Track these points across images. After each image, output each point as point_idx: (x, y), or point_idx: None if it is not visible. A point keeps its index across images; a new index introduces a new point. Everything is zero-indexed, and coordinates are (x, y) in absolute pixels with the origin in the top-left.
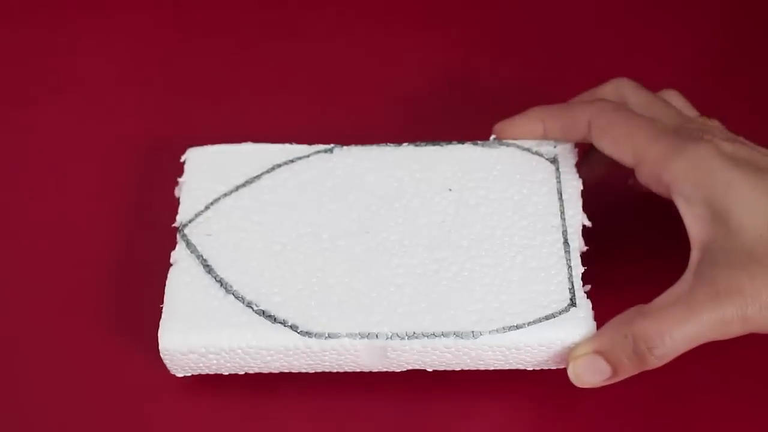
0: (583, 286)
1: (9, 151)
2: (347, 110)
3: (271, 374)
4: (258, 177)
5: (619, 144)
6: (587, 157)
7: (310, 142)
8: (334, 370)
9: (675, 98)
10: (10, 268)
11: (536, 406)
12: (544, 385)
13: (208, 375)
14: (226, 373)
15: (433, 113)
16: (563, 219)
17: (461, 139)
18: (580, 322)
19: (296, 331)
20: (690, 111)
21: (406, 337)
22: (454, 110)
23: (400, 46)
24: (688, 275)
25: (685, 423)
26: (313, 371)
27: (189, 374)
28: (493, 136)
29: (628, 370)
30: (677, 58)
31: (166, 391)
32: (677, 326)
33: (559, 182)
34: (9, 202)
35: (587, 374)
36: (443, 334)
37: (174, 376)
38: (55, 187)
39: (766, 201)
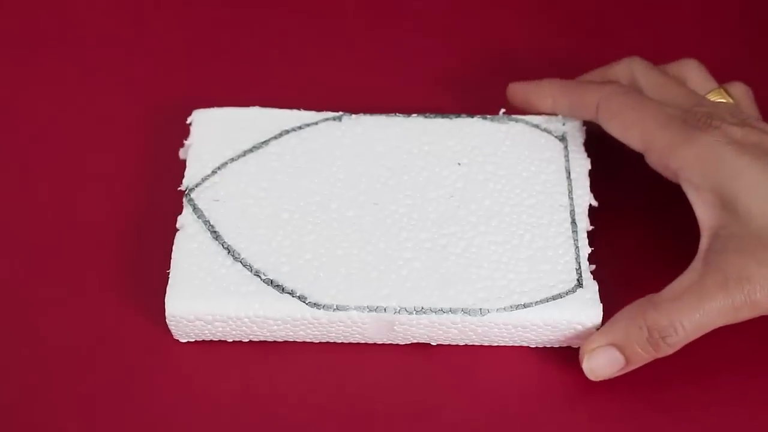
0: (589, 266)
1: (10, 113)
2: (356, 77)
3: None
4: (265, 142)
5: (628, 130)
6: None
7: (318, 109)
8: (339, 341)
9: (694, 68)
10: (12, 231)
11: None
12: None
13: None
14: (230, 341)
15: (447, 84)
16: (571, 198)
17: (472, 112)
18: (587, 303)
19: (304, 302)
20: (708, 83)
21: (414, 312)
22: (468, 82)
23: (417, 14)
24: (697, 263)
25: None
26: (318, 341)
27: (193, 340)
28: (502, 111)
29: (642, 360)
30: (702, 25)
31: (169, 353)
32: (688, 315)
33: (567, 161)
34: (12, 167)
35: (603, 367)
36: (451, 311)
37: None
38: (59, 149)
39: None
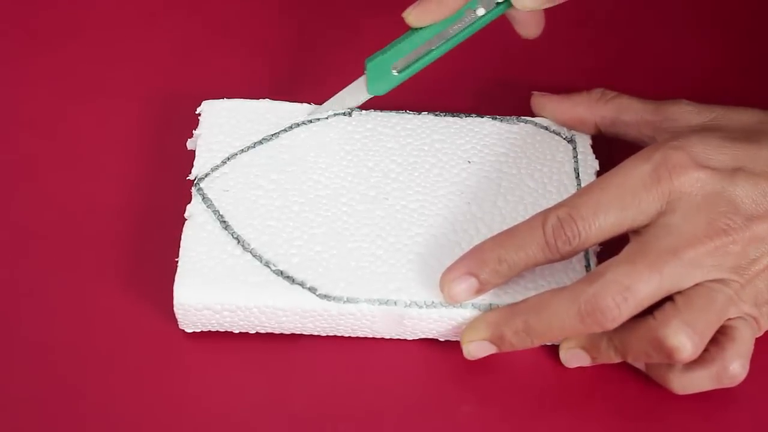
0: (598, 263)
1: (21, 103)
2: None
3: None
4: (276, 135)
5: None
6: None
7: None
8: (347, 335)
9: (683, 105)
10: (20, 220)
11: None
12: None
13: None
14: (237, 332)
15: (458, 84)
16: None
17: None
18: None
19: (315, 294)
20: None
21: (424, 306)
22: (479, 82)
23: None
24: None
25: None
26: (325, 334)
27: (198, 330)
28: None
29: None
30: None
31: (175, 342)
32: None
33: (576, 162)
34: (22, 157)
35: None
36: (461, 305)
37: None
38: (69, 139)
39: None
